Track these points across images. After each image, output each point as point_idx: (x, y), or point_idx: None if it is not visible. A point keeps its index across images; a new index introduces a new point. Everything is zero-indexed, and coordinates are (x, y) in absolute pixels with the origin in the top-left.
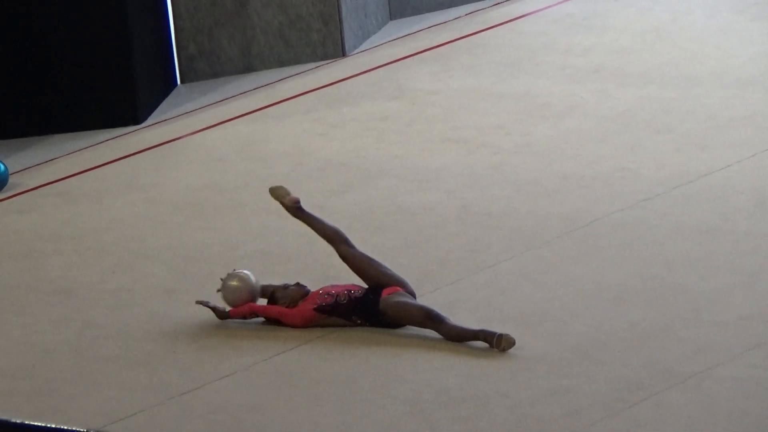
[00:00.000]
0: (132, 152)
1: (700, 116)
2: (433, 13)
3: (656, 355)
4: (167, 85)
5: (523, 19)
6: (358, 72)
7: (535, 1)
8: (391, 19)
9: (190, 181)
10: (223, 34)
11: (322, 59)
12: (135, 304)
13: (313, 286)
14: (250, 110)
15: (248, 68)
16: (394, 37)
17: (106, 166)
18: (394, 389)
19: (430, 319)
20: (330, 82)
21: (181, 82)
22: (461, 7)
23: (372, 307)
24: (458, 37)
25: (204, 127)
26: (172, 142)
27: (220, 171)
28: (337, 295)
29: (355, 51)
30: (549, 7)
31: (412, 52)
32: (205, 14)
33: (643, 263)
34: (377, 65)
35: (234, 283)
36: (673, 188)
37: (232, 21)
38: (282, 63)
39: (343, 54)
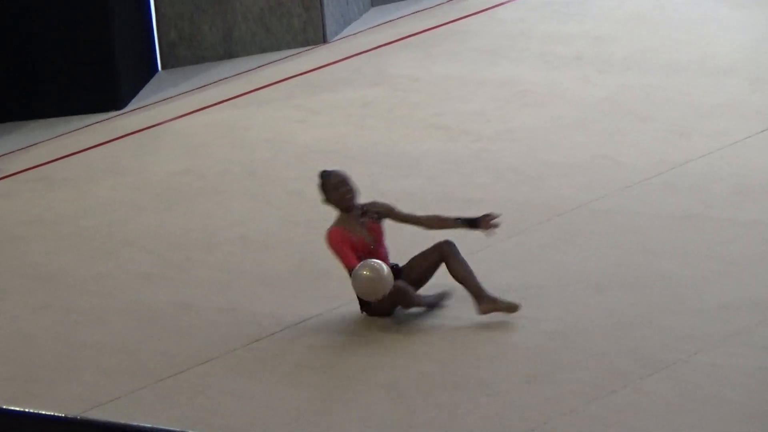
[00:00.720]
0: (113, 138)
1: (681, 104)
2: None
3: (636, 342)
4: (148, 71)
5: (503, 6)
6: (340, 58)
7: None
8: (372, 5)
9: (171, 167)
10: (204, 20)
11: (304, 45)
12: (116, 290)
13: (296, 274)
14: (231, 96)
15: (229, 54)
16: (376, 23)
17: (88, 151)
18: (374, 375)
19: (447, 244)
20: (311, 69)
21: (162, 67)
22: None
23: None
24: (439, 23)
25: (185, 112)
26: (153, 128)
27: (200, 157)
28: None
29: (337, 37)
30: None
31: (393, 39)
32: (186, 0)
33: (624, 251)
34: (358, 52)
35: (365, 273)
36: (654, 176)
37: (214, 7)
38: (263, 49)
39: (325, 40)
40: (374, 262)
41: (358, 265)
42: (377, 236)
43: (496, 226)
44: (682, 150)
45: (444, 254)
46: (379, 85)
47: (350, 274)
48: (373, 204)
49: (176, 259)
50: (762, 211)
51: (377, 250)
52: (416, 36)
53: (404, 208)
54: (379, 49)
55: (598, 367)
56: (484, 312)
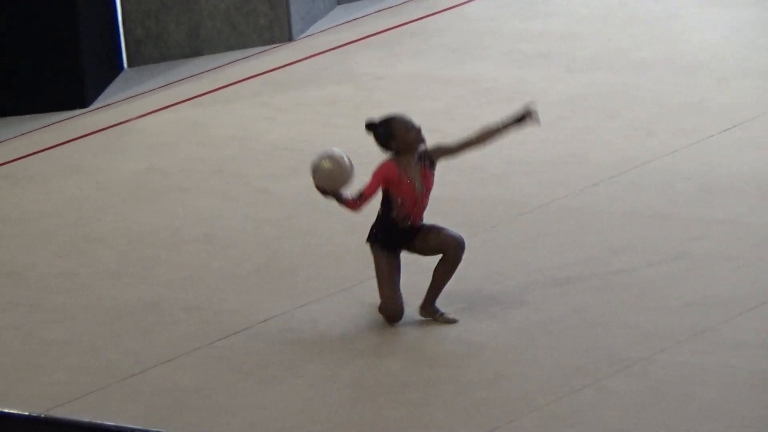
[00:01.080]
0: (79, 136)
1: (648, 102)
2: None
3: (602, 340)
4: (114, 69)
5: (470, 4)
6: (306, 56)
7: None
8: (338, 3)
9: (137, 165)
10: (170, 17)
11: (270, 43)
12: (81, 288)
13: (262, 271)
14: (197, 94)
15: (195, 52)
16: (342, 21)
17: (53, 149)
18: (339, 374)
19: (458, 248)
20: (277, 67)
21: (128, 65)
22: None
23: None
24: (405, 21)
25: (151, 110)
26: (119, 126)
27: (166, 155)
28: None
29: (303, 35)
30: None
31: (359, 37)
32: None
33: (591, 249)
34: (324, 49)
35: (326, 165)
36: (621, 174)
37: (180, 5)
38: (229, 47)
39: (291, 38)
40: (337, 153)
41: (320, 155)
42: (428, 185)
43: (536, 112)
44: (649, 148)
45: (447, 252)
46: (344, 83)
47: (361, 198)
48: (435, 149)
49: (142, 257)
50: (728, 209)
51: (422, 200)
52: (382, 34)
53: (369, 207)
54: (345, 47)
55: (564, 365)
56: (421, 315)
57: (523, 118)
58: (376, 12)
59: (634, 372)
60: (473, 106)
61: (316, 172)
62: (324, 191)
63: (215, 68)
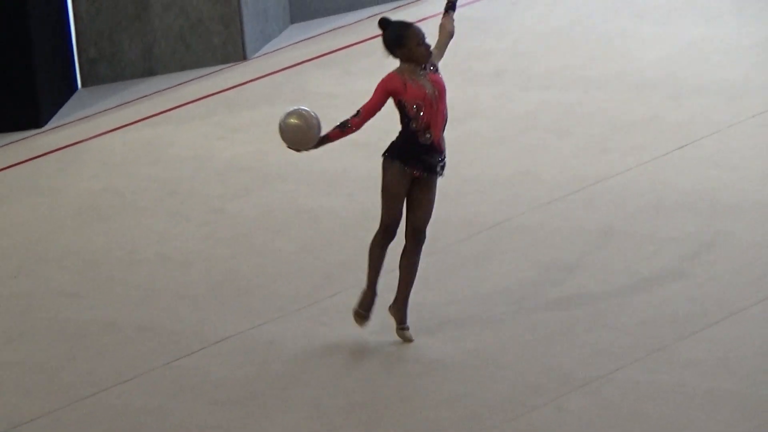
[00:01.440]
0: (33, 156)
1: (600, 120)
2: (334, 16)
3: (556, 359)
4: (68, 89)
5: (423, 22)
6: (260, 75)
7: (434, 4)
8: (292, 22)
9: (91, 185)
10: (124, 37)
11: (224, 63)
12: (37, 308)
13: (217, 291)
14: (152, 114)
15: (150, 72)
16: (296, 40)
17: (7, 169)
18: (295, 393)
19: (419, 233)
20: (231, 86)
21: (83, 85)
22: (362, 10)
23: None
24: (359, 40)
25: (105, 130)
26: (74, 146)
27: (121, 175)
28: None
29: (257, 54)
30: None
31: (313, 56)
32: (106, 17)
33: (544, 267)
34: (278, 69)
35: (293, 120)
36: (574, 192)
37: (133, 24)
38: (183, 66)
39: (245, 57)
40: (304, 109)
41: (288, 111)
42: (440, 88)
43: None
44: (602, 165)
45: (420, 231)
46: (298, 102)
47: (359, 114)
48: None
49: (97, 278)
50: (680, 227)
51: (438, 105)
52: (336, 53)
53: (324, 226)
54: (298, 66)
55: (518, 384)
56: (390, 312)
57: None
58: (330, 31)
59: (589, 390)
60: None
61: (284, 131)
62: (297, 149)
63: (169, 88)
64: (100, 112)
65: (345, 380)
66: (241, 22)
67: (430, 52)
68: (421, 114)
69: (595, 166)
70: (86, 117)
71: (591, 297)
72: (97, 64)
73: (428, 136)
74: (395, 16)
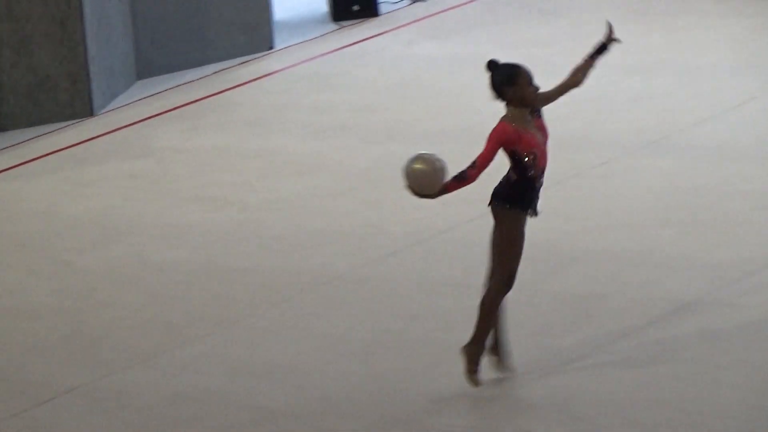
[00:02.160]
0: None
1: None
2: (180, 72)
3: (401, 407)
4: None
5: (269, 77)
6: (107, 131)
7: (280, 59)
8: (138, 78)
9: None
10: None
11: (71, 118)
12: None
13: (66, 343)
14: (2, 169)
15: None
16: (142, 96)
17: None
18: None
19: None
20: (79, 141)
21: None
22: (209, 66)
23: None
24: (206, 95)
25: None
26: None
27: None
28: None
29: (104, 110)
30: (295, 65)
31: (159, 111)
32: None
33: (388, 317)
34: (125, 124)
35: (419, 166)
36: (417, 243)
37: None
38: (31, 122)
39: (92, 113)
40: (428, 154)
41: (412, 156)
42: (545, 134)
43: (613, 32)
44: (443, 217)
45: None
46: (145, 157)
47: (475, 166)
48: (540, 99)
49: None
50: (519, 276)
51: (544, 149)
52: (183, 108)
53: (170, 278)
54: (145, 121)
55: (364, 430)
56: (492, 354)
57: (604, 44)
58: (176, 87)
59: None
60: (273, 178)
61: (409, 176)
62: (421, 195)
63: (18, 144)
64: None
65: (191, 430)
66: (89, 79)
67: (538, 94)
68: (538, 161)
69: (437, 217)
70: None
71: (433, 345)
72: None
73: (542, 180)
74: (242, 72)
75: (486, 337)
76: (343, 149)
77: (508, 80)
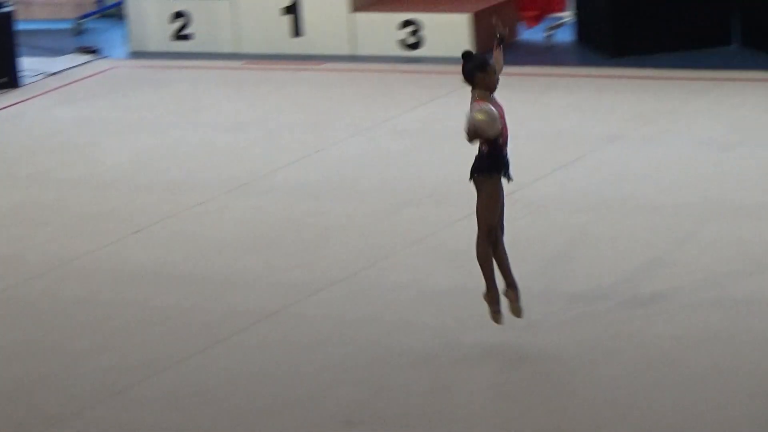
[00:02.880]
0: None
1: (70, 211)
2: None
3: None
4: None
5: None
6: None
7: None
8: None
9: None
10: None
11: None
12: None
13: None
14: None
15: None
16: None
17: None
18: None
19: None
20: None
21: None
22: None
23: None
24: None
25: None
26: None
27: None
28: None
29: None
30: None
31: None
32: None
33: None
34: None
35: (480, 116)
36: (55, 267)
37: None
38: None
39: None
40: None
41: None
42: (502, 111)
43: (497, 23)
44: (69, 248)
45: (500, 227)
46: None
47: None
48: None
49: None
50: (184, 297)
51: (505, 122)
52: None
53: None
54: None
55: None
56: (505, 295)
57: (501, 37)
58: None
59: None
60: None
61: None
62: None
63: None
64: None
65: None
66: None
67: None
68: (503, 132)
69: (67, 248)
70: None
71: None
72: None
73: (506, 148)
74: None
75: (492, 282)
76: None
77: (480, 67)
